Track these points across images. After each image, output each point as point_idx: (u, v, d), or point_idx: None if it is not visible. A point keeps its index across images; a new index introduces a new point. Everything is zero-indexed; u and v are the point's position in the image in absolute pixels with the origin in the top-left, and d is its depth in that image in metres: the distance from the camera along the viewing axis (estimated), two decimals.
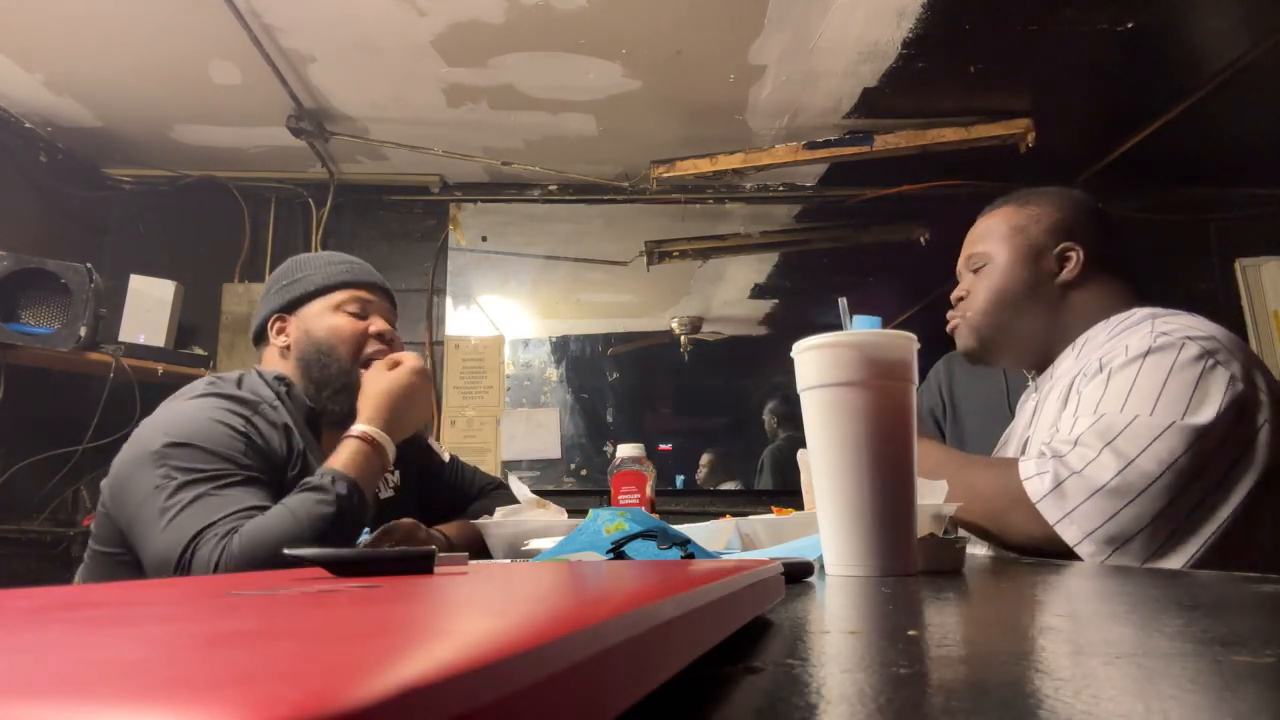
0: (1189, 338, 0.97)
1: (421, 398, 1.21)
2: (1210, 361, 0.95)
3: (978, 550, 1.10)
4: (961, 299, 1.24)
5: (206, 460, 1.05)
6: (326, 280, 1.30)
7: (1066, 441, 0.95)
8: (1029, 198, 1.23)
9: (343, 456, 1.10)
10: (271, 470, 1.13)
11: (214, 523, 1.00)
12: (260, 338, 1.33)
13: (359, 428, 1.14)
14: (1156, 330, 1.00)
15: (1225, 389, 0.93)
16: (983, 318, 1.20)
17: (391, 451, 1.16)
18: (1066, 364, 1.15)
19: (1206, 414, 0.91)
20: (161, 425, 1.09)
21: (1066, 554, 0.92)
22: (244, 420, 1.13)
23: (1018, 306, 1.18)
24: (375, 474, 1.13)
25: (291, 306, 1.30)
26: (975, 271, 1.23)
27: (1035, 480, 0.94)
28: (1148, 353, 0.97)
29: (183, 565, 0.98)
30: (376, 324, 1.29)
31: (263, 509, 1.03)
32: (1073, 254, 1.17)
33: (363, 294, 1.30)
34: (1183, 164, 2.79)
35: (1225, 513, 0.90)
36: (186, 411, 1.12)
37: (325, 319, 1.27)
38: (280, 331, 1.29)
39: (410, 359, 1.22)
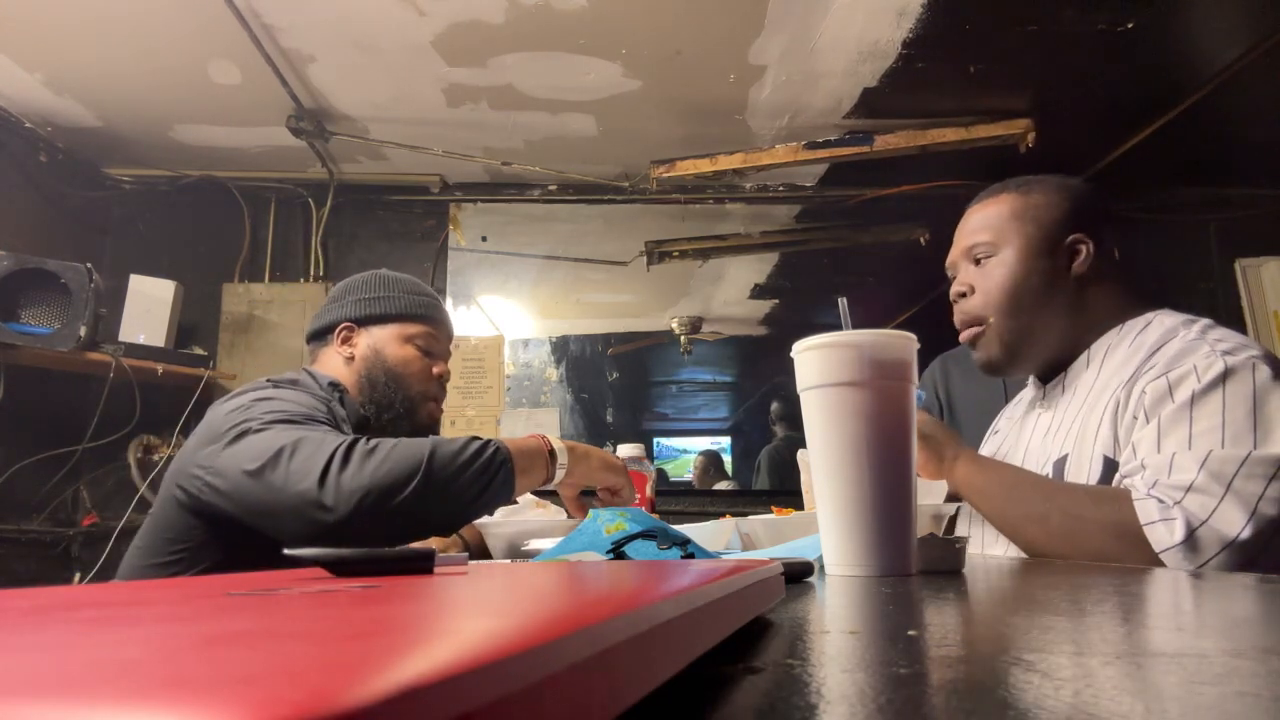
0: (1253, 356, 0.93)
1: (604, 469, 1.21)
2: None
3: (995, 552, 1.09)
4: (964, 294, 1.13)
5: (292, 407, 1.07)
6: (408, 309, 1.35)
7: (1177, 487, 0.87)
8: (1031, 185, 1.13)
9: (518, 439, 1.11)
10: None
11: (320, 437, 0.99)
12: (320, 338, 1.35)
13: (552, 435, 1.17)
14: (1217, 349, 0.94)
15: None
16: (1005, 320, 1.08)
17: (555, 474, 1.15)
18: (1086, 376, 1.08)
19: None
20: (232, 402, 1.10)
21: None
22: (312, 397, 1.17)
23: (1034, 303, 1.08)
24: (533, 472, 1.11)
25: (365, 321, 1.33)
26: (978, 263, 1.11)
27: (1160, 527, 0.86)
28: (1225, 375, 0.91)
29: (286, 460, 0.96)
30: (440, 367, 1.36)
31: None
32: (1083, 246, 1.09)
33: (435, 332, 1.36)
34: (1183, 164, 2.79)
35: None
36: (251, 393, 1.13)
37: (398, 347, 1.32)
38: (346, 341, 1.33)
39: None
